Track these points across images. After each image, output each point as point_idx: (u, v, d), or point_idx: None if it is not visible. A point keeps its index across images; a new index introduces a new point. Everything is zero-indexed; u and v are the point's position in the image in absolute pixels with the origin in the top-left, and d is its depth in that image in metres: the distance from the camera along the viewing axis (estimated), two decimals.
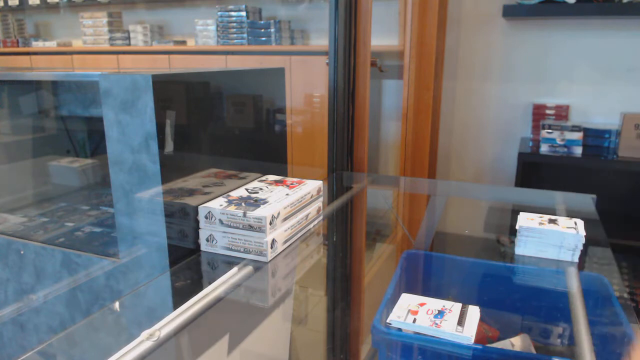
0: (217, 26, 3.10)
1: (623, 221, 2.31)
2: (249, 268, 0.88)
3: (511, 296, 0.95)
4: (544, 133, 2.20)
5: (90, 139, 1.62)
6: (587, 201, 1.31)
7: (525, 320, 0.96)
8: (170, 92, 0.88)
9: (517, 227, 0.97)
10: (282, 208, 0.93)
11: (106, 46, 3.51)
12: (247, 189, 1.04)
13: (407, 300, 0.77)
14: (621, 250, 2.05)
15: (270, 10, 3.11)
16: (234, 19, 3.03)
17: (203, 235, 0.94)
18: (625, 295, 0.85)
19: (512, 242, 0.99)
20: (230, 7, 3.04)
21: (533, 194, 1.52)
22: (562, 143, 2.18)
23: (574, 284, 0.86)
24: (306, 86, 2.58)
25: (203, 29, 3.18)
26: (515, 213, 1.05)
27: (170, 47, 3.28)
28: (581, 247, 0.93)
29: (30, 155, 1.50)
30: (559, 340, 0.92)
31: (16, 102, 1.45)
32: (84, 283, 1.03)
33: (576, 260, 0.93)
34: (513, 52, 2.45)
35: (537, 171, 2.43)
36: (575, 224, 0.96)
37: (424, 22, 2.21)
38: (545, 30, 2.36)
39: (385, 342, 0.72)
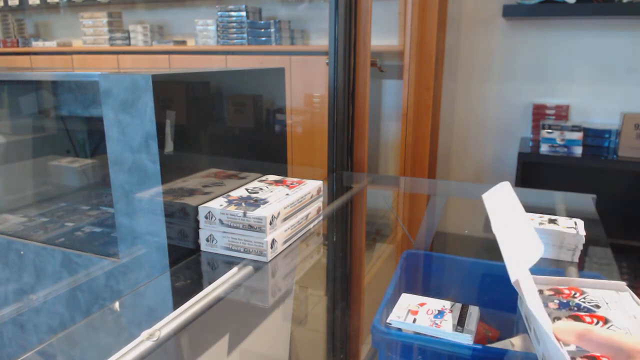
0: (217, 26, 3.10)
1: (623, 221, 2.32)
2: (249, 268, 0.88)
3: (511, 296, 0.95)
4: (544, 133, 2.20)
5: (90, 139, 1.62)
6: (587, 201, 1.31)
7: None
8: (170, 92, 0.88)
9: None
10: (282, 208, 0.93)
11: (106, 46, 3.51)
12: (247, 189, 1.04)
13: (407, 300, 0.77)
14: (621, 250, 2.05)
15: (270, 10, 3.11)
16: (234, 19, 3.03)
17: (203, 235, 0.94)
18: None
19: None
20: (230, 7, 3.04)
21: (533, 194, 1.51)
22: (562, 143, 2.18)
23: None
24: (306, 86, 2.58)
25: (203, 29, 3.18)
26: None
27: (170, 47, 3.28)
28: (581, 247, 0.93)
29: (30, 155, 1.50)
30: None
31: (16, 102, 1.45)
32: (84, 283, 1.03)
33: (576, 260, 0.93)
34: (513, 52, 2.45)
35: (537, 171, 2.43)
36: (575, 224, 0.96)
37: (424, 22, 2.21)
38: (545, 30, 2.36)
39: (385, 342, 0.72)
